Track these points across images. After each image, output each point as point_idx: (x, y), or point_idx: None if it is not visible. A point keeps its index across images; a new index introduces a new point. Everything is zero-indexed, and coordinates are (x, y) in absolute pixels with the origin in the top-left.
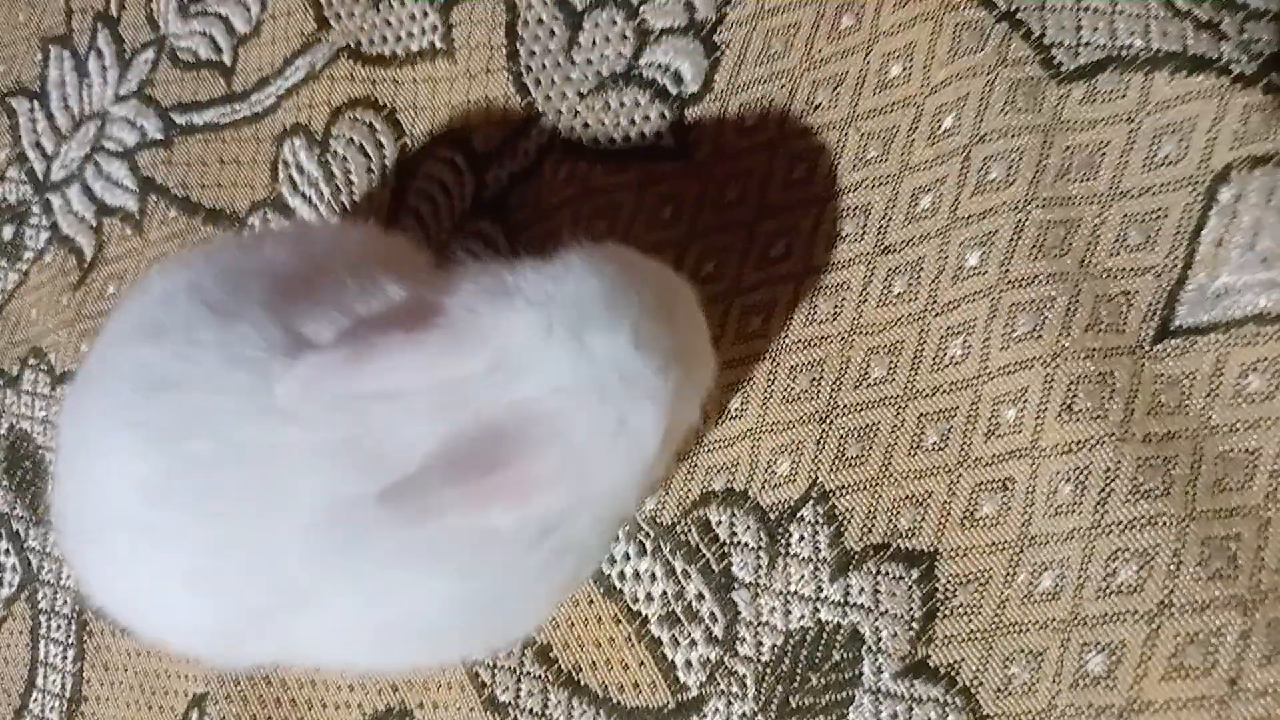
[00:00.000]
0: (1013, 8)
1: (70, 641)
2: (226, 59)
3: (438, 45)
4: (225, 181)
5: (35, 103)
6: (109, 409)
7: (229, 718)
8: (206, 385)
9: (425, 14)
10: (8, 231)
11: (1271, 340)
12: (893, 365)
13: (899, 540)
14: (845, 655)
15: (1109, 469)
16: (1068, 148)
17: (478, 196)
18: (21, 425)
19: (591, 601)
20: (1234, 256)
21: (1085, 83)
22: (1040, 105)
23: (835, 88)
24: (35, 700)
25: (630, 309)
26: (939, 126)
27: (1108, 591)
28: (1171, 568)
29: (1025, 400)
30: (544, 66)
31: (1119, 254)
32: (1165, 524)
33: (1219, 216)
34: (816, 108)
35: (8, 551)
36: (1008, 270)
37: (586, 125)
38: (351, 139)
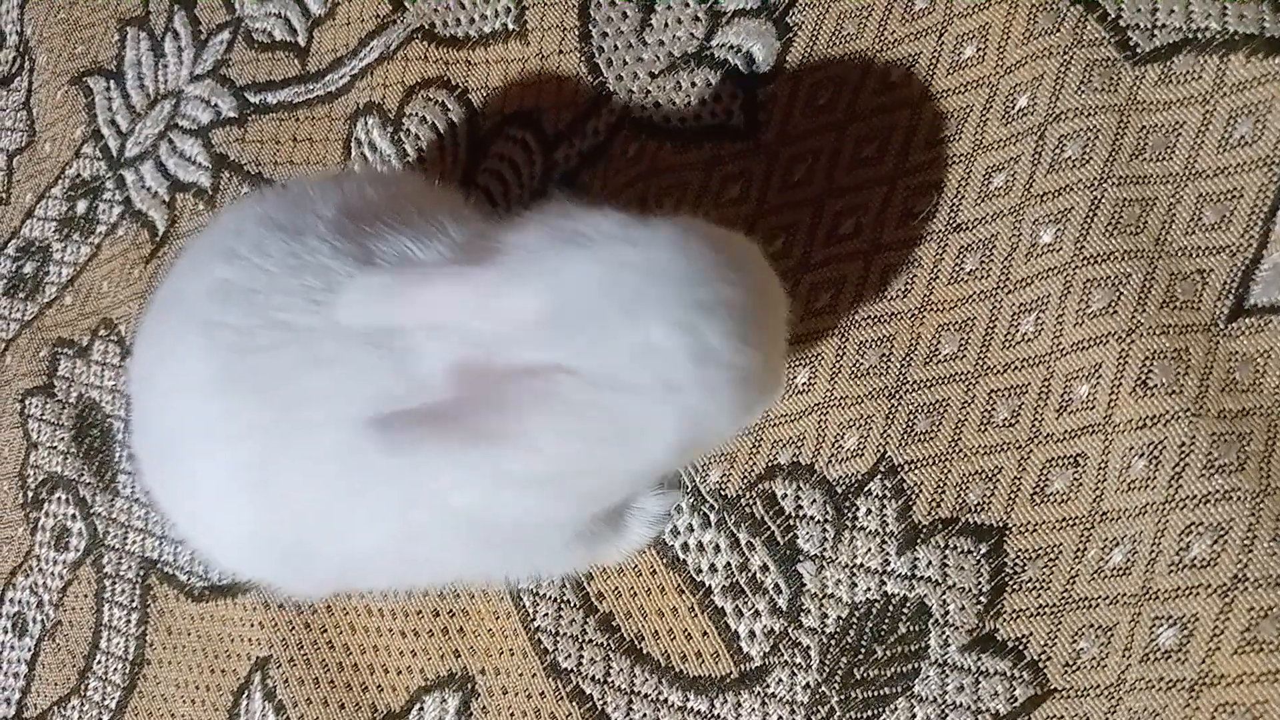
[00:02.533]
0: None
1: (134, 605)
2: (301, 40)
3: (510, 27)
4: (298, 159)
5: (111, 82)
6: (184, 318)
7: (291, 680)
8: (275, 288)
9: None
10: (81, 206)
11: None
12: (964, 342)
13: (968, 515)
14: (911, 628)
15: (1184, 444)
16: (1143, 128)
17: (547, 176)
18: (90, 394)
19: (655, 572)
20: None
21: (1161, 64)
22: (1116, 86)
23: (908, 68)
24: (98, 663)
25: (709, 308)
26: (1013, 106)
27: (1181, 566)
28: (1246, 542)
29: (1099, 376)
30: (616, 48)
31: (1194, 233)
32: (1240, 499)
33: None
34: (889, 87)
35: (74, 517)
36: (1083, 247)
37: (658, 104)
38: (424, 117)
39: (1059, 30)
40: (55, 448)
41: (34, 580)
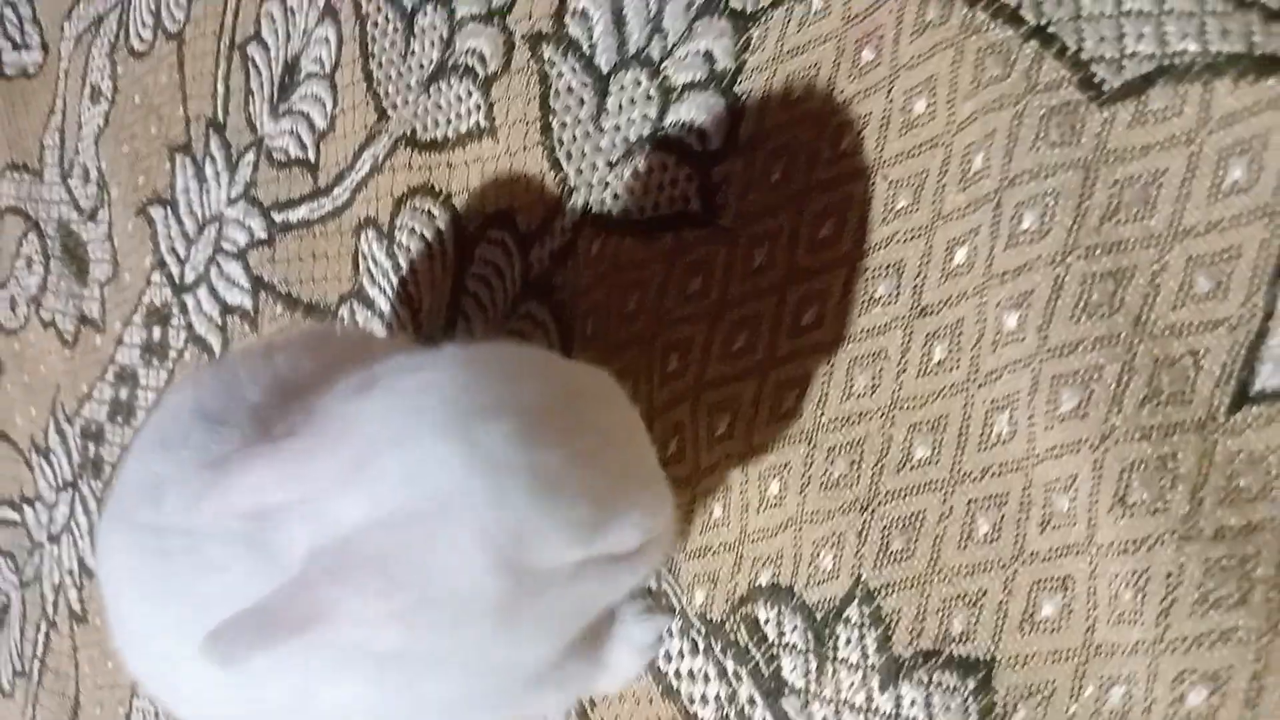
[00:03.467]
0: (1044, 21)
1: None
2: (311, 155)
3: (482, 124)
4: (318, 276)
5: (168, 210)
6: (117, 513)
7: None
8: (182, 485)
9: (470, 93)
10: (156, 333)
11: None
12: (937, 444)
13: (952, 646)
14: None
15: (1171, 574)
16: (1116, 182)
17: (525, 278)
18: None
19: (651, 700)
20: None
21: (1134, 101)
22: (1079, 135)
23: (860, 131)
24: None
25: (483, 411)
26: (969, 168)
27: (1176, 719)
28: (1250, 694)
29: (1076, 489)
30: (574, 138)
31: (1183, 306)
32: (1241, 641)
33: None
34: (842, 156)
35: None
36: (1047, 336)
37: (616, 196)
38: (413, 228)
39: (1010, 75)
40: None
41: None
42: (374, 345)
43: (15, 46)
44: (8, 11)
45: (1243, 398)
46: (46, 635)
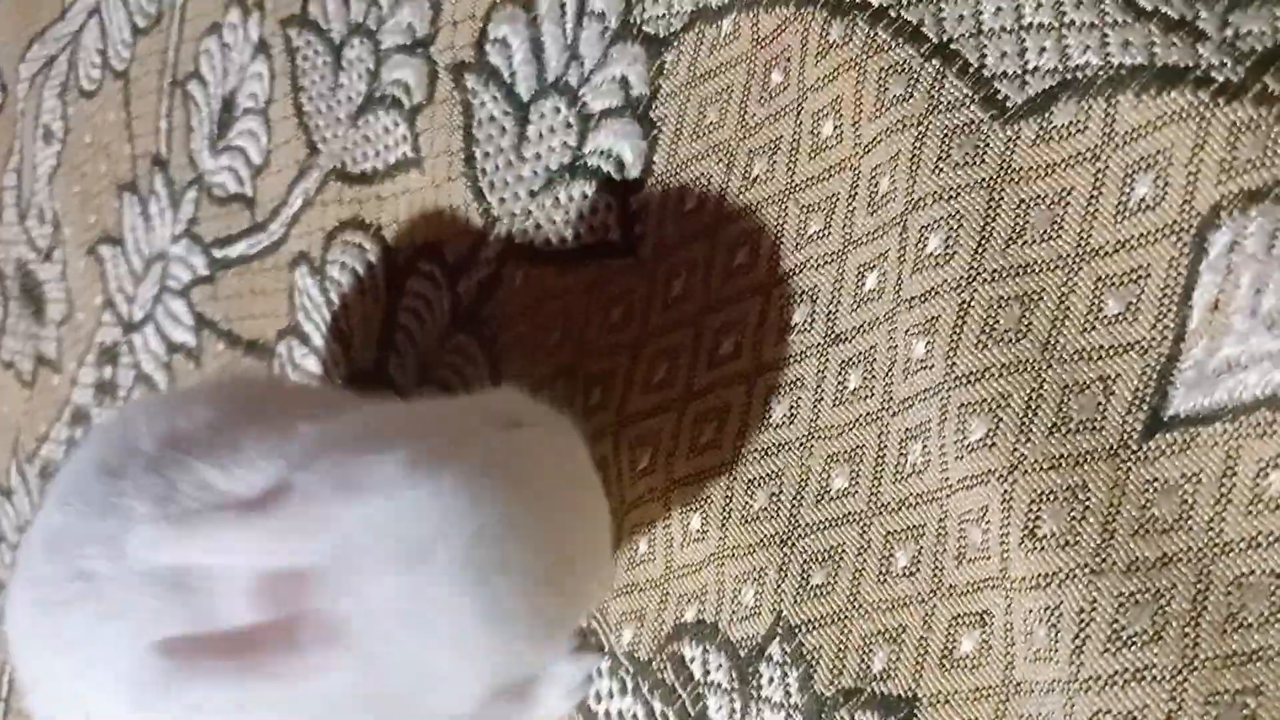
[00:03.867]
0: (945, 37)
1: None
2: (248, 190)
3: (409, 155)
4: (257, 312)
5: (118, 248)
6: (19, 572)
7: None
8: (86, 535)
9: (397, 124)
10: (107, 372)
11: None
12: (855, 475)
13: (874, 684)
14: None
15: (1083, 609)
16: (1021, 202)
17: (454, 311)
18: None
19: None
20: (1236, 322)
21: (1037, 119)
22: (982, 156)
23: (771, 155)
24: None
25: (497, 565)
26: (877, 191)
27: None
28: None
29: (988, 521)
30: (497, 168)
31: (1093, 329)
32: (1155, 678)
33: (1211, 272)
34: (755, 181)
35: None
36: (954, 364)
37: (539, 226)
38: (344, 263)
39: (912, 96)
40: None
41: None
42: (285, 392)
43: None
44: None
45: (1155, 424)
46: (10, 677)
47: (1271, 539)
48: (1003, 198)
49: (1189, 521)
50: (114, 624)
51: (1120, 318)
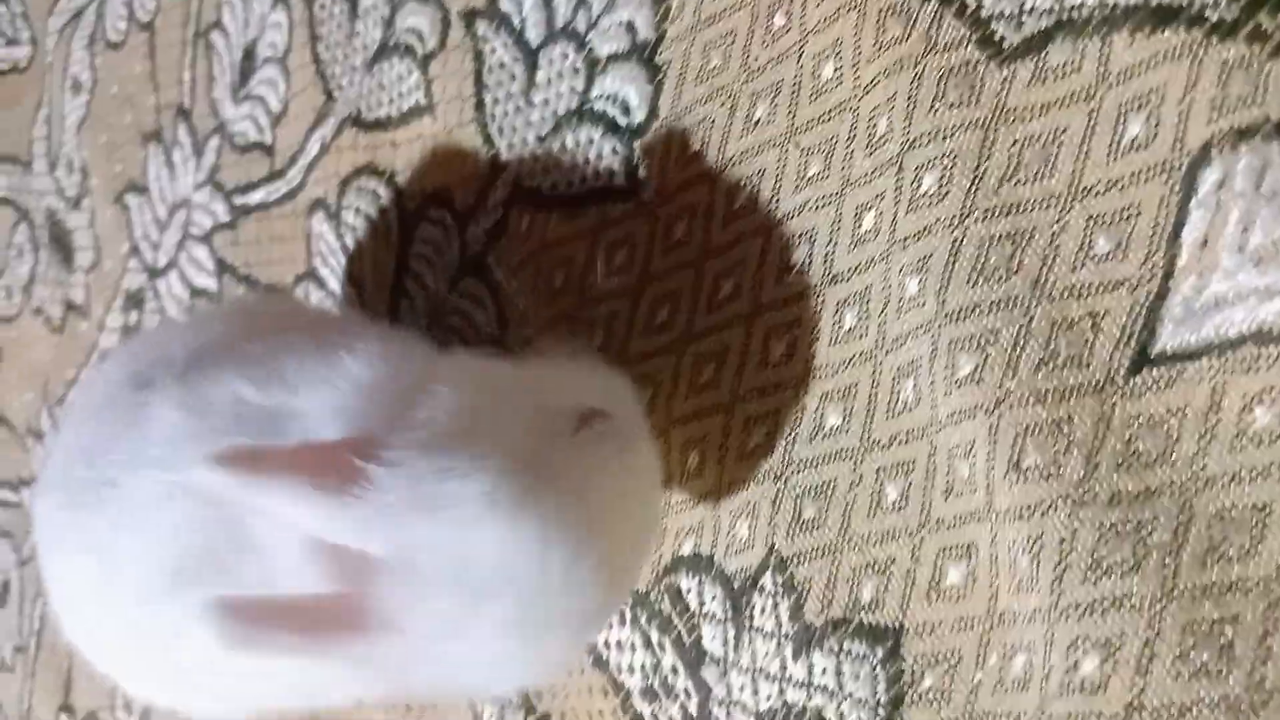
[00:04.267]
0: None
1: None
2: (268, 138)
3: (422, 102)
4: (275, 258)
5: (143, 197)
6: (49, 477)
7: None
8: (111, 445)
9: (410, 71)
10: (133, 317)
11: (1278, 364)
12: (848, 412)
13: (862, 614)
14: None
15: (1064, 539)
16: (1015, 142)
17: (463, 254)
18: None
19: (584, 671)
20: (1223, 259)
21: (1033, 59)
22: (977, 96)
23: (773, 98)
24: None
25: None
26: (875, 133)
27: (1070, 688)
28: (1141, 662)
29: (975, 455)
30: (506, 113)
31: (1084, 267)
32: (1133, 606)
33: (1201, 209)
34: (755, 126)
35: None
36: (944, 300)
37: (545, 171)
38: (358, 208)
39: (910, 36)
40: None
41: None
42: (316, 316)
43: (8, 42)
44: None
45: (1142, 360)
46: (42, 612)
47: (1255, 473)
48: (997, 137)
49: (1173, 456)
50: (133, 531)
51: (1110, 255)
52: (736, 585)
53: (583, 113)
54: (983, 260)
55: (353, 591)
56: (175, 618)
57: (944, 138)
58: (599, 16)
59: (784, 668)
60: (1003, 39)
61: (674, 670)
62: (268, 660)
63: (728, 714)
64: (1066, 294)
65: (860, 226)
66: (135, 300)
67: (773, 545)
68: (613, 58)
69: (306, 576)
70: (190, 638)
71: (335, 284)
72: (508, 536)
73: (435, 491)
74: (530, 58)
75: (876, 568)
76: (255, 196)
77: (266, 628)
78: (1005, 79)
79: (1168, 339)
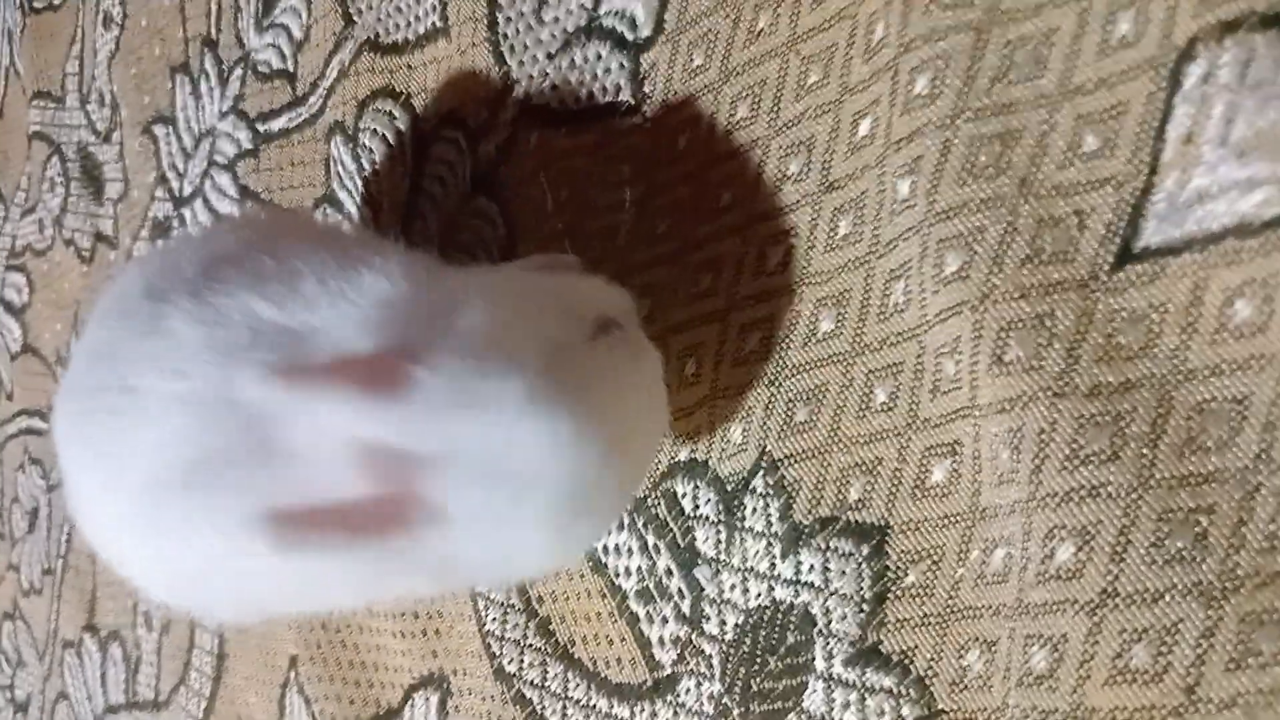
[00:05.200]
0: None
1: None
2: (290, 66)
3: (437, 25)
4: (296, 182)
5: (170, 127)
6: (70, 384)
7: (313, 678)
8: (126, 354)
9: None
10: (160, 245)
11: (1258, 257)
12: (840, 317)
13: (848, 513)
14: (798, 638)
15: (1043, 430)
16: (1008, 43)
17: (474, 173)
18: None
19: (583, 575)
20: (1206, 153)
21: None
22: None
23: (775, 8)
24: (195, 656)
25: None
26: (872, 38)
27: (1046, 576)
28: (1116, 549)
29: (959, 351)
30: (518, 31)
31: (1071, 165)
32: (1109, 496)
33: (1185, 104)
34: (758, 36)
35: None
36: (934, 200)
37: (554, 88)
38: (375, 129)
39: None
40: None
41: None
42: (328, 229)
43: None
44: None
45: (1126, 256)
46: (68, 535)
47: (1234, 366)
48: (989, 38)
49: (1154, 349)
50: (147, 435)
51: (1098, 153)
52: (730, 488)
53: (591, 29)
54: (972, 160)
55: (397, 490)
56: (187, 515)
57: (937, 39)
58: None
59: (773, 566)
60: None
61: (668, 572)
62: (304, 561)
63: (719, 612)
64: (1053, 192)
65: (857, 133)
66: (162, 229)
67: (764, 448)
68: None
69: (346, 480)
70: (202, 537)
71: (352, 206)
72: (545, 432)
73: (477, 391)
74: None
75: (864, 468)
76: (277, 123)
77: (318, 530)
78: None
79: (1151, 234)
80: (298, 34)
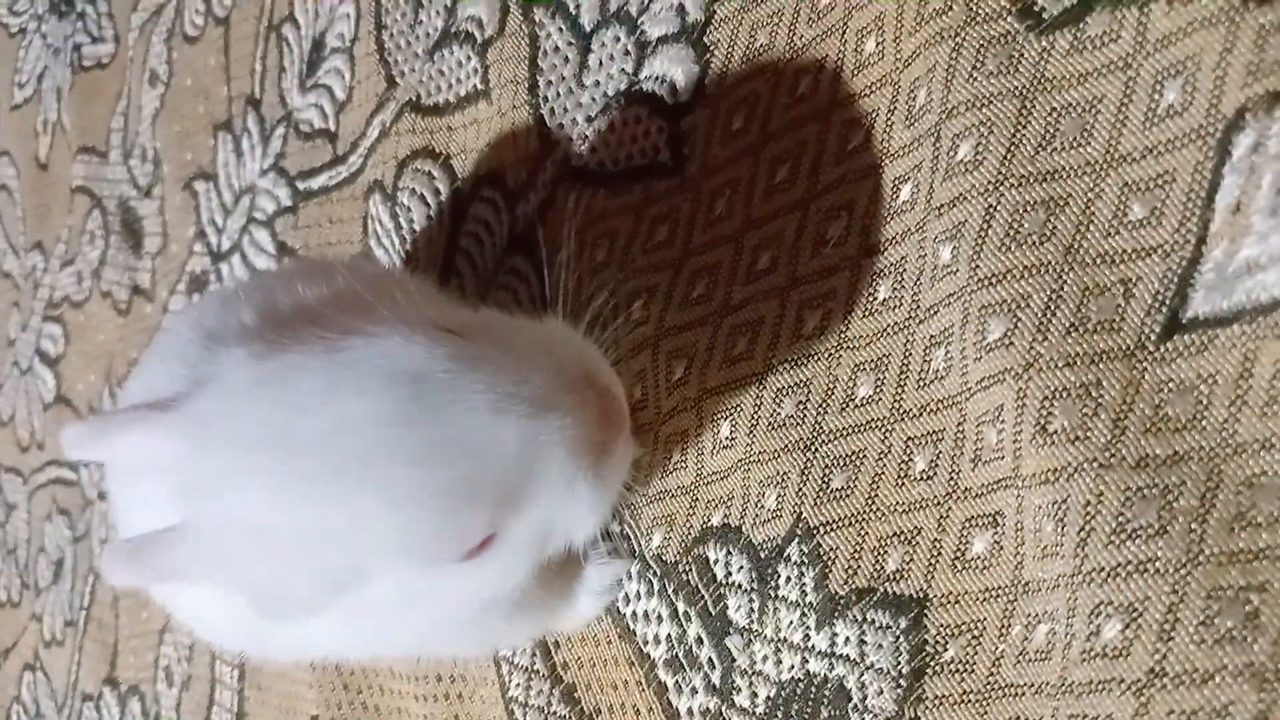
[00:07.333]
0: None
1: (236, 664)
2: (332, 125)
3: (479, 87)
4: (334, 239)
5: (211, 184)
6: None
7: None
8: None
9: (469, 58)
10: (196, 299)
11: None
12: (879, 382)
13: (886, 584)
14: (832, 712)
15: (1088, 502)
16: (1053, 110)
17: (512, 232)
18: None
19: (610, 642)
20: (1256, 223)
21: (1071, 29)
22: (1016, 65)
23: (816, 75)
24: (214, 713)
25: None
26: (914, 104)
27: (1091, 654)
28: (1164, 627)
29: (1003, 420)
30: (558, 95)
31: (1117, 234)
32: (1158, 572)
33: (1234, 174)
34: (799, 100)
35: None
36: (977, 266)
37: (593, 150)
38: (414, 189)
39: (951, 9)
40: None
41: (175, 639)
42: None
43: (93, 40)
44: (89, 9)
45: (1174, 325)
46: (92, 587)
47: None
48: (1034, 106)
49: (1203, 421)
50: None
51: (1145, 222)
52: (763, 555)
53: (631, 93)
54: (1016, 226)
55: None
56: None
57: (981, 106)
58: (650, 0)
59: (807, 637)
60: (1042, 9)
61: (699, 640)
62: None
63: (750, 684)
64: (1099, 260)
65: (898, 198)
66: (198, 283)
67: (800, 515)
68: (663, 39)
69: None
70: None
71: (387, 263)
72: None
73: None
74: (584, 41)
75: (903, 537)
76: (318, 181)
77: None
78: (1044, 49)
79: (1200, 304)
80: (340, 94)
